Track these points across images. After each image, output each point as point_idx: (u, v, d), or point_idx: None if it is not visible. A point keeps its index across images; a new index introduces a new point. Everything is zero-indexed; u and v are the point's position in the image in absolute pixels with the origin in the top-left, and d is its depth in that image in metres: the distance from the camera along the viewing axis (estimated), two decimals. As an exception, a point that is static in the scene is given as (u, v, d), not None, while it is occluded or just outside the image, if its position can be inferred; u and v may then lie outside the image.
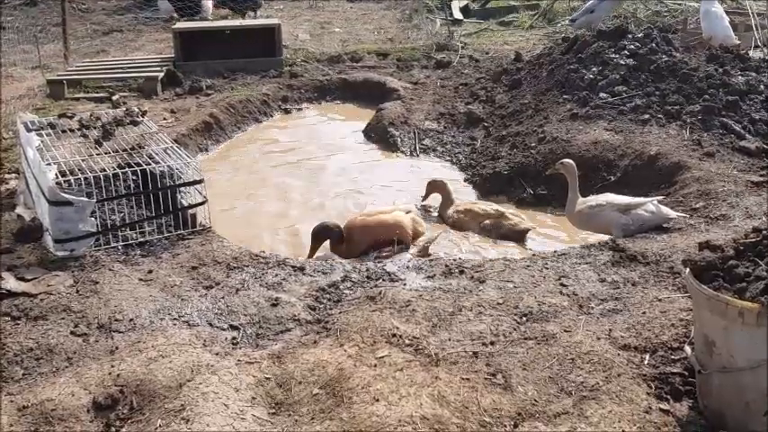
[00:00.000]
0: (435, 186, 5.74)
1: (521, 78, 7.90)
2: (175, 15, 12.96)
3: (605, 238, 4.60)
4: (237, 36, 9.69)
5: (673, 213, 4.55)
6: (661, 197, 4.88)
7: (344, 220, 5.07)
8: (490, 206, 5.45)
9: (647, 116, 6.19)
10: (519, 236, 5.24)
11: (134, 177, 4.66)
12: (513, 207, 5.77)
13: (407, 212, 5.17)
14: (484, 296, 3.65)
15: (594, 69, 6.97)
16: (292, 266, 4.09)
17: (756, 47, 8.59)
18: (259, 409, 2.86)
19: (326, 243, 4.85)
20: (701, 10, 8.50)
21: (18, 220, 4.61)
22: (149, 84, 8.35)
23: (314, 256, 4.68)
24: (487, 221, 5.29)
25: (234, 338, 3.39)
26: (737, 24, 9.36)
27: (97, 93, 8.37)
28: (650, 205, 4.56)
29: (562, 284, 3.79)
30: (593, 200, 4.76)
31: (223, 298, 3.72)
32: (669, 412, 2.75)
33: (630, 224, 4.52)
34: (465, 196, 5.98)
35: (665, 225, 4.55)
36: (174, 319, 3.54)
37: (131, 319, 3.51)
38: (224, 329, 3.46)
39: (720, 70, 6.69)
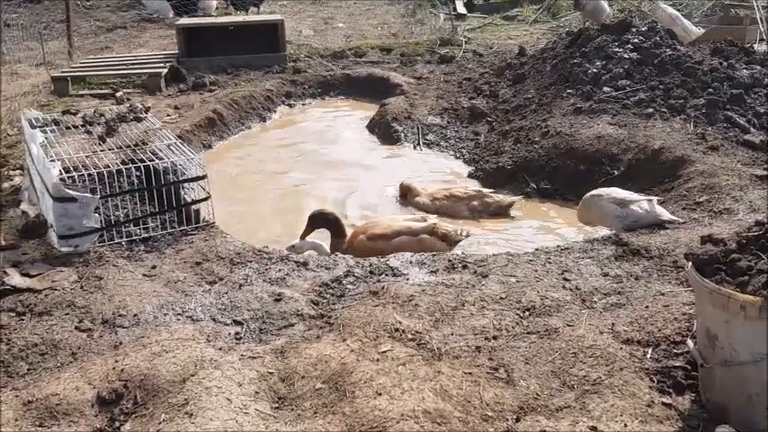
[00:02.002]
0: (404, 188, 5.81)
1: (524, 73, 7.89)
2: (169, 15, 12.98)
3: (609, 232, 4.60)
4: (241, 32, 9.69)
5: (666, 215, 4.50)
6: (658, 198, 4.82)
7: (346, 215, 5.06)
8: (465, 187, 5.67)
9: (650, 110, 6.17)
10: (506, 210, 5.52)
11: (138, 173, 4.67)
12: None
13: (423, 221, 4.78)
14: (487, 291, 3.66)
15: (598, 63, 6.95)
16: (295, 262, 4.10)
17: (761, 40, 8.56)
18: (262, 404, 2.87)
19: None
20: (672, 16, 8.91)
21: (23, 216, 4.63)
22: (153, 80, 8.36)
23: (305, 238, 4.68)
24: (475, 202, 5.47)
25: (237, 333, 3.40)
26: (743, 17, 9.33)
27: (101, 89, 8.40)
28: (645, 203, 4.54)
29: (565, 279, 3.79)
30: (597, 191, 4.79)
31: (226, 293, 3.73)
32: (671, 406, 2.75)
33: (625, 218, 4.53)
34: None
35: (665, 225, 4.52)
36: (178, 314, 3.55)
37: (135, 315, 3.52)
38: (227, 324, 3.47)
39: (725, 64, 6.67)
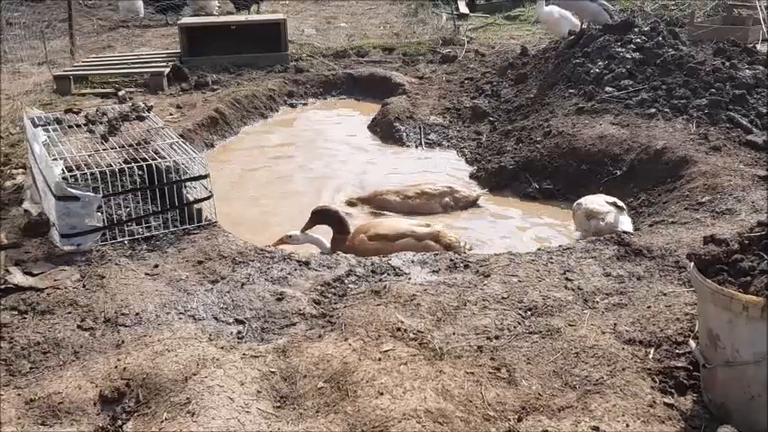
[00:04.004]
0: (364, 200, 5.79)
1: (526, 73, 7.89)
2: (142, 14, 13.00)
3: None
4: (243, 31, 9.70)
5: (623, 227, 4.53)
6: (622, 206, 4.80)
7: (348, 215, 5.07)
8: (435, 183, 5.80)
9: (653, 110, 6.17)
10: (473, 204, 5.71)
11: (140, 172, 4.67)
12: (519, 201, 5.82)
13: (427, 226, 4.72)
14: (488, 290, 3.66)
15: (600, 63, 6.95)
16: (297, 261, 4.10)
17: (764, 40, 8.54)
18: (264, 403, 2.87)
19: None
20: (562, 14, 9.03)
21: (25, 215, 4.63)
22: (155, 79, 8.37)
23: (305, 232, 4.73)
24: (447, 198, 5.62)
25: (239, 332, 3.40)
26: (745, 17, 9.31)
27: (103, 88, 8.41)
28: (610, 215, 4.61)
29: (567, 279, 3.79)
30: (581, 199, 4.89)
31: (228, 292, 3.74)
32: (673, 406, 2.75)
33: (589, 230, 4.66)
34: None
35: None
36: (180, 313, 3.55)
37: (137, 314, 3.53)
38: (229, 323, 3.48)
39: (727, 64, 6.66)
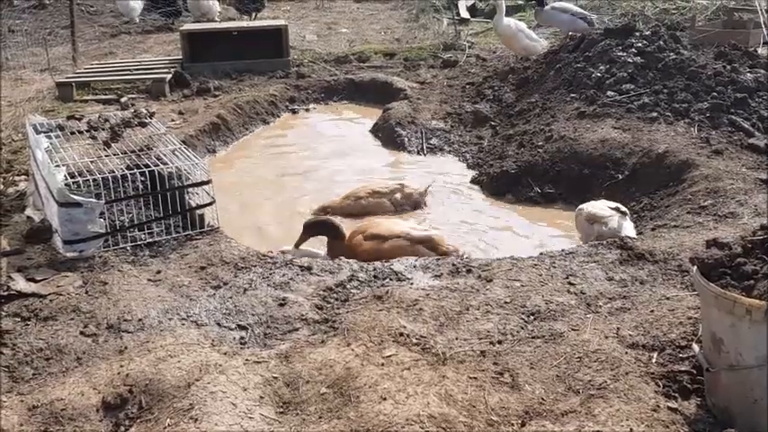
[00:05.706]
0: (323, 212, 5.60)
1: (528, 77, 7.90)
2: (136, 19, 13.04)
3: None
4: (245, 37, 9.72)
5: (626, 232, 4.52)
6: (624, 212, 4.76)
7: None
8: (384, 183, 5.81)
9: (654, 114, 6.17)
10: (421, 199, 5.72)
11: (142, 178, 4.68)
12: (521, 206, 5.83)
13: (425, 230, 4.74)
14: (491, 295, 3.65)
15: (602, 67, 6.95)
16: (299, 266, 4.10)
17: (765, 44, 8.54)
18: (267, 408, 2.87)
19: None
20: (518, 27, 8.91)
21: (27, 221, 4.64)
22: (157, 85, 8.39)
23: (299, 247, 4.69)
24: (398, 195, 5.62)
25: (242, 338, 3.40)
26: (746, 21, 9.31)
27: (105, 95, 8.43)
28: (613, 220, 4.61)
29: (570, 283, 3.78)
30: (583, 204, 4.90)
31: (231, 298, 3.74)
32: (677, 410, 2.74)
33: (591, 234, 4.67)
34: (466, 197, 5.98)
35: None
36: (183, 318, 3.55)
37: (140, 320, 3.53)
38: (232, 329, 3.48)
39: (729, 68, 6.66)
